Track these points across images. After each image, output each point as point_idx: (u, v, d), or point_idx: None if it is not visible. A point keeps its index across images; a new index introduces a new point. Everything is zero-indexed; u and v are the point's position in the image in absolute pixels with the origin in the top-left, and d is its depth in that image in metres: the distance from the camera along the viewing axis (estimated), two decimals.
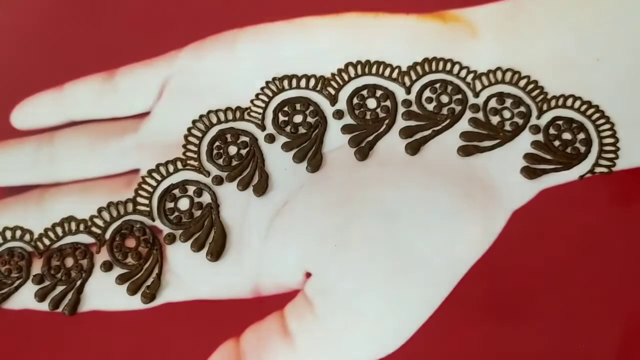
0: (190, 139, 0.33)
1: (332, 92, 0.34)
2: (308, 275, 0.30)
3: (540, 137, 0.32)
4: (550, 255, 0.30)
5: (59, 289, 0.30)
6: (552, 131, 0.32)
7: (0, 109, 0.35)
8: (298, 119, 0.33)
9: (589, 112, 0.33)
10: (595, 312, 0.29)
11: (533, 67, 0.34)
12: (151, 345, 0.29)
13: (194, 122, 0.33)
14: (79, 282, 0.30)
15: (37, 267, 0.31)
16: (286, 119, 0.33)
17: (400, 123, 0.33)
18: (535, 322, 0.29)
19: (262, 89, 0.34)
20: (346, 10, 0.35)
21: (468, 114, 0.33)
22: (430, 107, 0.33)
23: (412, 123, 0.33)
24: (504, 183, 0.31)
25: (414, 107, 0.33)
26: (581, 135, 0.32)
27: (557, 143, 0.32)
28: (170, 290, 0.30)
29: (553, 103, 0.33)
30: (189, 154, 0.33)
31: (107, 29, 0.37)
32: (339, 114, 0.33)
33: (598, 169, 0.32)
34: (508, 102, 0.33)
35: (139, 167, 0.33)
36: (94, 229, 0.31)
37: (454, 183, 0.31)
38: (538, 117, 0.33)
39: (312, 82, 0.34)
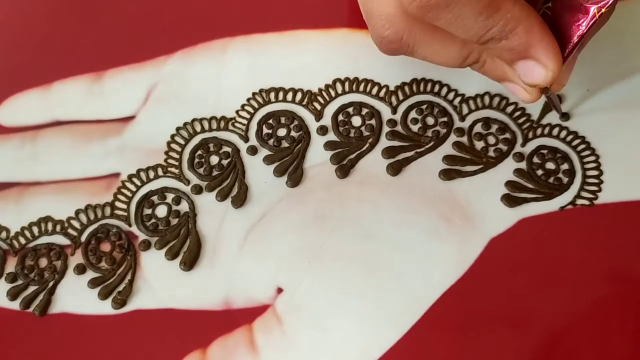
0: (173, 146, 0.33)
1: (318, 107, 0.34)
2: (280, 290, 0.30)
3: (523, 165, 0.32)
4: (524, 285, 0.30)
5: (31, 288, 0.30)
6: (535, 160, 0.32)
7: None
8: (282, 132, 0.33)
9: (575, 142, 0.32)
10: (568, 343, 0.29)
11: None
12: (118, 352, 0.29)
13: (177, 129, 0.33)
14: (51, 283, 0.30)
15: (11, 265, 0.31)
16: (270, 131, 0.33)
17: (384, 142, 0.33)
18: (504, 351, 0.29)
19: (248, 100, 0.34)
20: (339, 25, 0.35)
21: (452, 138, 0.33)
22: (415, 128, 0.33)
23: (396, 143, 0.33)
24: (483, 209, 0.31)
25: (398, 128, 0.33)
26: (565, 166, 0.32)
27: (540, 172, 0.32)
28: (141, 298, 0.30)
29: (539, 131, 0.33)
30: (170, 161, 0.33)
31: (98, 29, 0.37)
32: (322, 130, 0.33)
33: (579, 201, 0.31)
34: (494, 127, 0.33)
35: (120, 171, 0.33)
36: (70, 230, 0.31)
37: (433, 206, 0.31)
38: (523, 145, 0.33)
39: (299, 96, 0.34)
